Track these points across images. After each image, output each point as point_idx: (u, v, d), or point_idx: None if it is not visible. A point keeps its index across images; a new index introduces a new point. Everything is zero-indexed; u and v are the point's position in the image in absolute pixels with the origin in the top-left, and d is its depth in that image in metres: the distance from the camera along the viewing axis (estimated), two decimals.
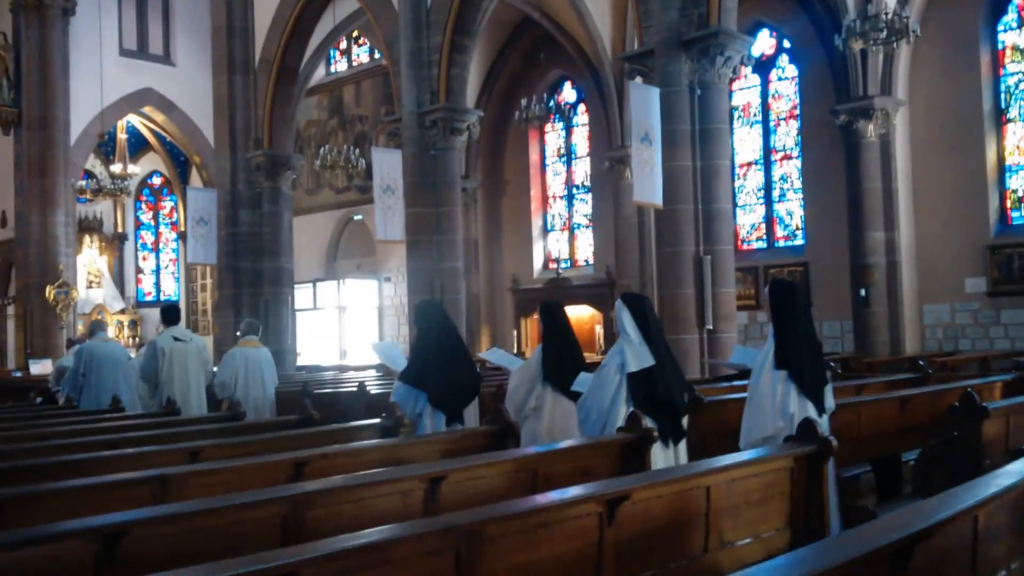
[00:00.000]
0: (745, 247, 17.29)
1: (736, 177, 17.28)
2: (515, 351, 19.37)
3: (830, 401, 5.02)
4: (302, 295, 21.31)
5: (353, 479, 3.64)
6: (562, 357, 5.52)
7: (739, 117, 17.35)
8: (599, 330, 18.98)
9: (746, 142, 17.39)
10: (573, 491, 3.21)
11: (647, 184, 11.32)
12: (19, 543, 2.59)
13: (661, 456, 4.82)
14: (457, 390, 5.72)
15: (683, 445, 5.06)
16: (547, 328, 5.88)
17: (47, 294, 19.93)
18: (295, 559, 2.25)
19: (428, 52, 13.75)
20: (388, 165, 13.73)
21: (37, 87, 20.12)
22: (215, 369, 8.81)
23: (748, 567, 4.04)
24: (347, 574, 2.41)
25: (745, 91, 17.40)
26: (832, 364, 7.15)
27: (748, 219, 17.46)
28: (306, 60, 17.08)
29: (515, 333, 20.02)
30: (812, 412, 4.74)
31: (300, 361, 18.34)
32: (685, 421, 5.07)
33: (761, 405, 4.83)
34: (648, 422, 4.67)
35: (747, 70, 16.64)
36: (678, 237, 10.94)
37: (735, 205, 17.24)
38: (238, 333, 9.33)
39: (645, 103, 11.14)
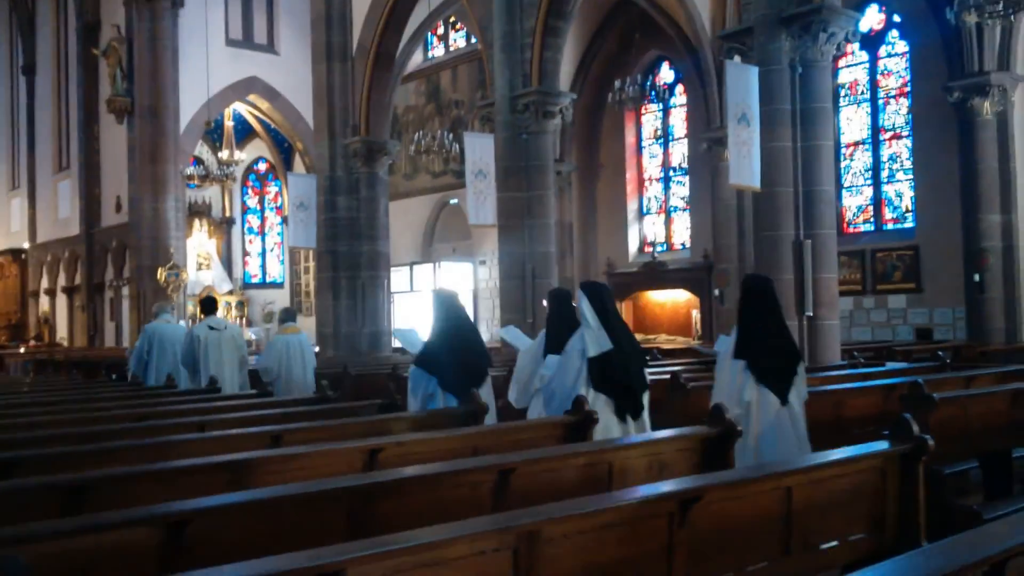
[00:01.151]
0: (851, 230, 16.64)
1: (842, 158, 16.63)
2: None
3: (799, 391, 5.41)
4: (399, 278, 21.61)
5: (421, 470, 3.61)
6: (564, 340, 5.53)
7: (845, 95, 16.66)
8: (695, 315, 18.62)
9: (853, 121, 16.69)
10: (642, 491, 3.09)
11: (744, 166, 10.98)
12: (82, 530, 2.65)
13: (618, 430, 5.18)
14: (465, 374, 6.06)
15: (646, 420, 5.38)
16: (552, 313, 6.04)
17: (159, 276, 20.75)
18: (341, 558, 2.22)
19: (521, 35, 13.64)
20: (480, 149, 13.71)
21: (148, 77, 20.89)
22: (251, 356, 9.45)
23: (834, 571, 3.89)
24: (398, 574, 2.36)
25: (852, 68, 16.68)
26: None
27: (854, 201, 16.79)
28: (402, 46, 17.21)
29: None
30: (772, 400, 5.22)
31: (397, 343, 18.61)
32: (646, 398, 5.37)
33: (723, 391, 5.33)
34: (603, 401, 5.13)
35: (854, 46, 15.95)
36: (777, 221, 10.56)
37: (841, 187, 16.62)
38: (279, 321, 9.90)
39: (743, 83, 10.77)
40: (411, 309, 21.04)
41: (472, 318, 20.79)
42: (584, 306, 5.22)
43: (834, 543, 3.81)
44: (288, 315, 9.62)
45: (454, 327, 6.20)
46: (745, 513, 3.43)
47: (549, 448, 4.11)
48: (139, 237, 21.21)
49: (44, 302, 26.65)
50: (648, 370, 6.71)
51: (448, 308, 6.29)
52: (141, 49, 20.91)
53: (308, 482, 3.40)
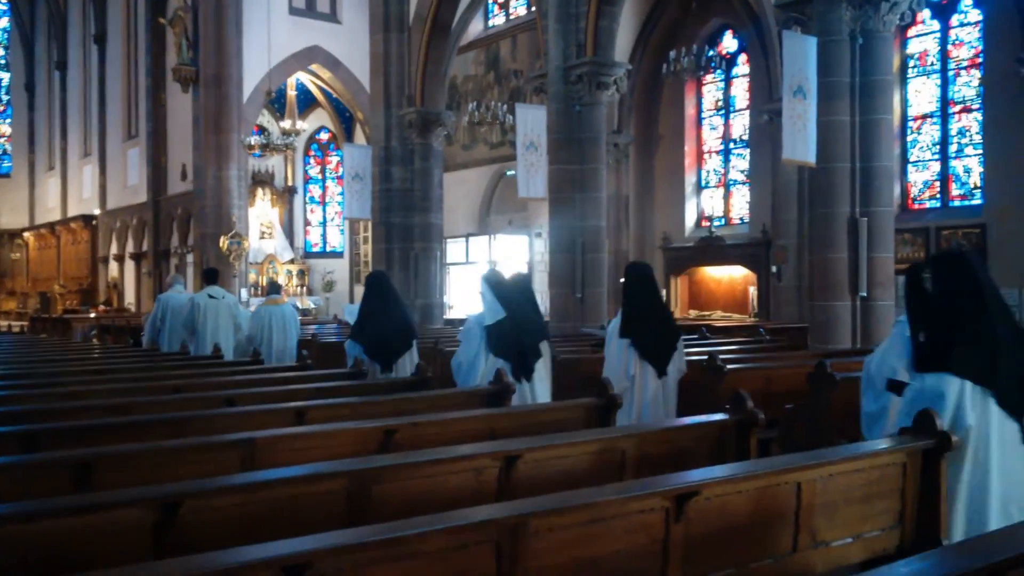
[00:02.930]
0: (916, 206, 16.10)
1: (909, 131, 16.06)
2: None
3: (677, 365, 6.20)
4: (455, 249, 21.68)
5: (422, 454, 3.61)
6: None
7: (914, 66, 16.05)
8: (752, 292, 18.29)
9: (922, 93, 16.07)
10: (632, 486, 3.03)
11: (799, 141, 10.70)
12: (77, 509, 2.71)
13: (517, 391, 5.81)
14: (387, 344, 7.08)
15: (540, 385, 6.08)
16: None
17: (221, 244, 21.20)
18: (305, 549, 2.22)
19: (576, 4, 13.44)
20: (532, 121, 13.60)
21: (212, 46, 21.19)
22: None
23: (846, 567, 3.79)
24: (368, 566, 2.36)
25: (922, 38, 16.04)
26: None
27: (920, 176, 16.22)
28: (460, 15, 17.12)
29: (664, 292, 19.58)
30: (651, 374, 6.01)
31: (451, 315, 18.72)
32: (540, 364, 6.08)
33: (611, 366, 6.07)
34: (502, 364, 5.82)
35: (925, 15, 15.35)
36: (832, 197, 10.26)
37: (907, 162, 16.08)
38: (266, 293, 10.90)
39: (800, 54, 10.46)
40: (466, 281, 21.09)
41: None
42: (483, 287, 6.16)
43: (848, 540, 3.71)
44: (273, 288, 10.60)
45: (377, 302, 7.21)
46: (748, 508, 3.35)
47: (557, 434, 4.07)
48: (203, 205, 21.68)
49: (113, 268, 27.46)
50: (689, 350, 7.32)
51: (376, 285, 7.35)
52: (206, 18, 21.21)
53: (308, 464, 3.42)
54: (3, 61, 34.12)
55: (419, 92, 16.71)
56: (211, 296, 10.07)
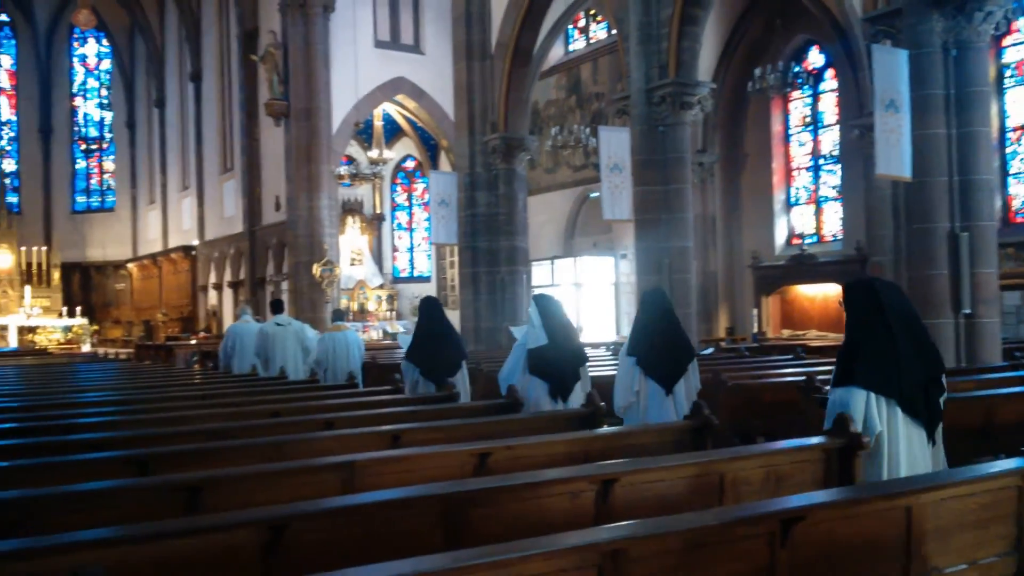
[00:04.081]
0: (1020, 220, 15.48)
1: (1008, 143, 15.48)
2: (755, 330, 18.64)
3: (690, 384, 6.51)
4: (540, 272, 21.73)
5: (517, 478, 3.62)
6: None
7: (1011, 76, 15.48)
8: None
9: (1020, 104, 15.49)
10: (735, 510, 2.98)
11: (893, 155, 10.40)
12: (186, 532, 2.80)
13: (548, 406, 6.40)
14: (440, 365, 7.63)
15: (573, 400, 6.50)
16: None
17: (314, 271, 21.75)
18: (408, 572, 2.25)
19: (657, 25, 13.40)
20: (615, 143, 13.58)
21: (302, 81, 21.86)
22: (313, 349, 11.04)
23: None
24: None
25: (1018, 47, 15.47)
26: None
27: (1022, 189, 15.59)
28: (541, 42, 17.26)
29: (755, 312, 19.23)
30: (658, 390, 6.36)
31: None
32: (577, 387, 6.56)
33: (620, 383, 6.51)
34: (538, 383, 6.44)
35: (1020, 23, 14.82)
36: (929, 213, 9.97)
37: (1006, 174, 15.50)
38: (330, 320, 11.79)
39: (891, 67, 10.20)
40: None
41: (613, 313, 20.79)
42: (532, 311, 6.64)
43: (962, 567, 3.57)
44: (338, 315, 11.47)
45: (430, 325, 7.82)
46: (857, 534, 3.26)
47: (654, 458, 4.03)
48: (296, 234, 22.29)
49: (212, 296, 28.39)
50: (783, 370, 7.76)
51: (428, 310, 7.92)
52: (295, 53, 21.90)
53: (406, 487, 3.47)
54: (106, 101, 35.85)
55: (502, 118, 16.89)
56: (278, 324, 11.12)
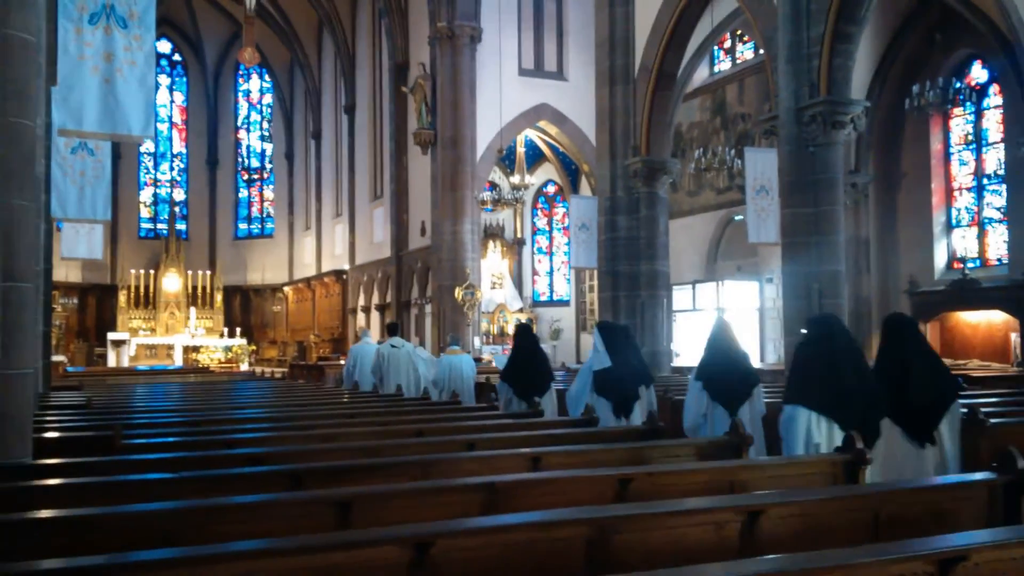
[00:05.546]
0: None
1: None
2: None
3: (755, 407, 6.85)
4: (681, 296, 21.41)
5: (662, 506, 3.57)
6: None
7: None
8: (1015, 338, 16.66)
9: None
10: (891, 548, 2.84)
11: None
12: (337, 545, 2.91)
13: (613, 422, 7.08)
14: (532, 385, 8.53)
15: (635, 418, 7.28)
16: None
17: (456, 295, 22.26)
18: None
19: (808, 44, 13.03)
20: (762, 165, 13.26)
21: (449, 110, 22.54)
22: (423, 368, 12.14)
23: None
24: None
25: None
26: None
27: None
28: (685, 64, 17.10)
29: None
30: (722, 413, 6.61)
31: (678, 362, 18.44)
32: (637, 406, 7.36)
33: (688, 405, 6.87)
34: (604, 403, 7.25)
35: None
36: None
37: None
38: (447, 345, 12.60)
39: None
40: (693, 328, 20.75)
41: (758, 338, 20.19)
42: (595, 338, 7.45)
43: None
44: (453, 340, 12.37)
45: (523, 349, 8.81)
46: None
47: (804, 489, 3.89)
48: (440, 258, 22.90)
49: (360, 318, 29.44)
50: None
51: (522, 337, 8.96)
52: (443, 84, 22.60)
53: (550, 510, 3.48)
54: (267, 133, 37.96)
55: (644, 141, 16.80)
56: (393, 346, 12.09)
